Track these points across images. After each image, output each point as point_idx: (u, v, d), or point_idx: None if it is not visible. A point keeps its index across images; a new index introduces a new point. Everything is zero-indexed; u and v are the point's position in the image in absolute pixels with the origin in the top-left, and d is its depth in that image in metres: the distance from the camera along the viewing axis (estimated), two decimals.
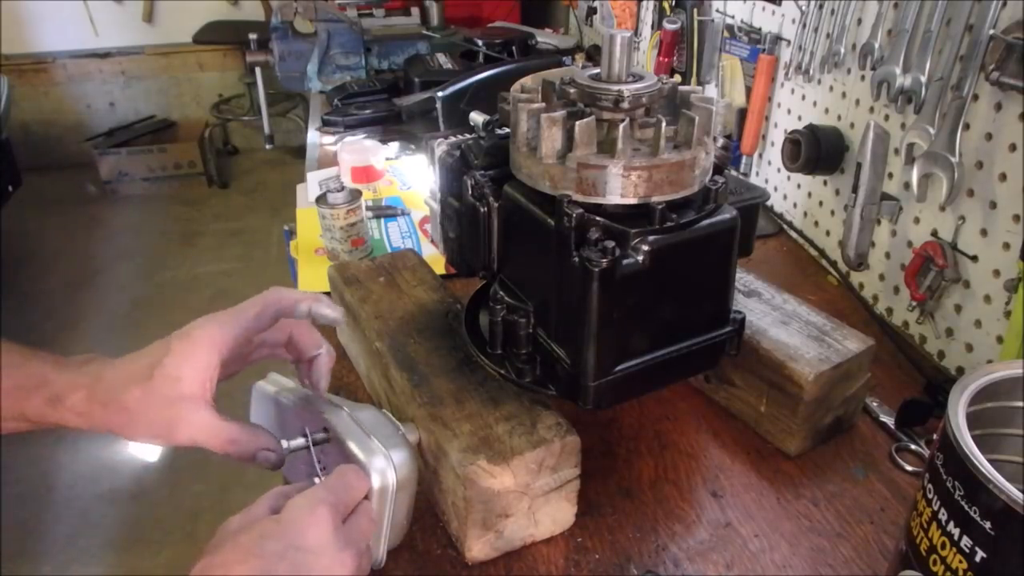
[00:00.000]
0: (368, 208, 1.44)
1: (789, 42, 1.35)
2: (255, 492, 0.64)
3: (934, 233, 1.06)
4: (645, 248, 0.71)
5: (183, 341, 0.65)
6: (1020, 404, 0.65)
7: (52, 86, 4.65)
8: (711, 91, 1.57)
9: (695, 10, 1.54)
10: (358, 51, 2.19)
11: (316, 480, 0.66)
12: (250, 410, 0.80)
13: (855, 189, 1.13)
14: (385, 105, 1.89)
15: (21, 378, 0.65)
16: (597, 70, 0.76)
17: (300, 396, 0.76)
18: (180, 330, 0.66)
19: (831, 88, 1.27)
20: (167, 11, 4.61)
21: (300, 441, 0.70)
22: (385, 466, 0.68)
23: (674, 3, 1.59)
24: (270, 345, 0.75)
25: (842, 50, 1.20)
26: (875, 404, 0.99)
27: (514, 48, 2.16)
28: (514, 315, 0.80)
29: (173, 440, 0.63)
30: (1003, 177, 0.94)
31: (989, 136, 0.95)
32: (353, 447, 0.68)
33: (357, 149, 1.61)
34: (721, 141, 0.81)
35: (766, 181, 1.49)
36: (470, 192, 0.83)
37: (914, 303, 1.08)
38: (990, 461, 0.54)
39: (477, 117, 0.87)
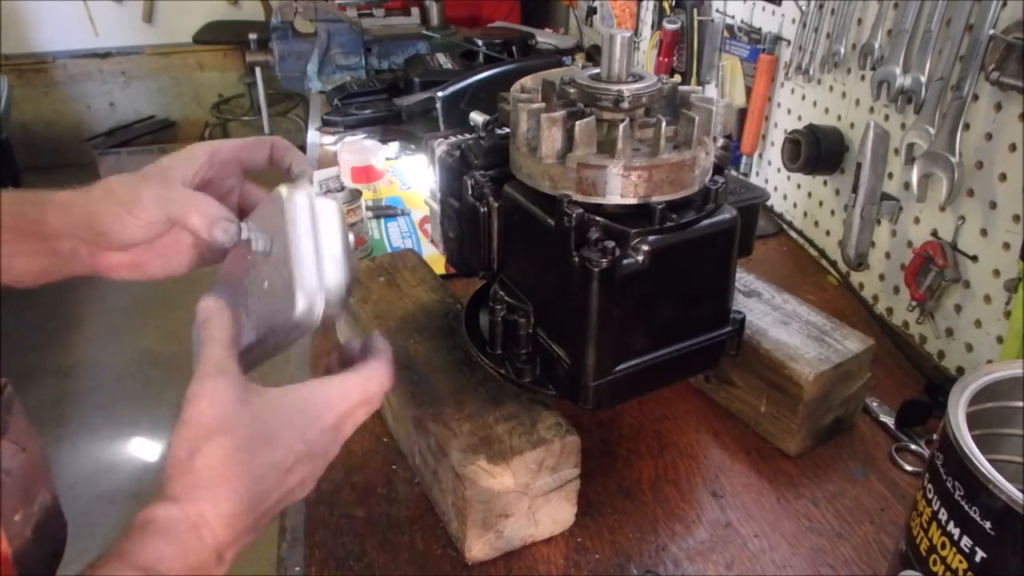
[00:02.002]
0: (368, 208, 1.44)
1: (789, 42, 1.35)
2: None
3: (934, 233, 1.06)
4: (645, 248, 0.71)
5: (178, 152, 0.68)
6: (1020, 404, 0.65)
7: (52, 86, 4.65)
8: (711, 91, 1.57)
9: (695, 10, 1.54)
10: (358, 51, 2.19)
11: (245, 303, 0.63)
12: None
13: (855, 189, 1.13)
14: (385, 105, 1.89)
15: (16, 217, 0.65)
16: (597, 70, 0.76)
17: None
18: None
19: (831, 88, 1.27)
20: (167, 11, 4.61)
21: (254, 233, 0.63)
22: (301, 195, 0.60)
23: (674, 3, 1.59)
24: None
25: (842, 50, 1.20)
26: (875, 404, 0.99)
27: (514, 48, 2.16)
28: (514, 315, 0.80)
29: (136, 212, 0.63)
30: (1003, 177, 0.94)
31: (989, 136, 0.95)
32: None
33: (357, 149, 1.61)
34: (721, 141, 0.81)
35: (766, 181, 1.49)
36: (470, 192, 0.83)
37: (914, 303, 1.08)
38: (990, 461, 0.54)
39: (477, 117, 0.87)
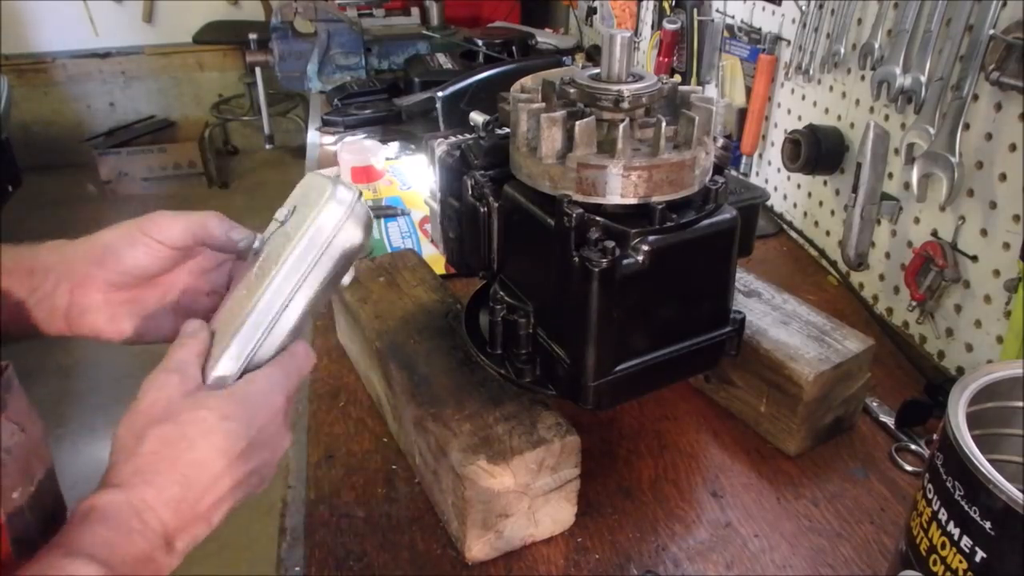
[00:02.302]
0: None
1: (789, 42, 1.35)
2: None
3: (934, 233, 1.06)
4: (645, 248, 0.71)
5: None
6: (1020, 404, 0.65)
7: (52, 86, 4.65)
8: (711, 91, 1.57)
9: (695, 10, 1.54)
10: (358, 51, 2.19)
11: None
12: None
13: (855, 189, 1.13)
14: (385, 105, 1.89)
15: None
16: (597, 70, 0.76)
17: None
18: None
19: (831, 88, 1.27)
20: (167, 11, 4.61)
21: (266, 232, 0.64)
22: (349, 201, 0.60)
23: (674, 3, 1.59)
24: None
25: (842, 50, 1.20)
26: (875, 404, 0.99)
27: (514, 48, 2.16)
28: (514, 315, 0.80)
29: (150, 229, 0.64)
30: (1003, 177, 0.94)
31: (989, 136, 0.95)
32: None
33: (357, 149, 1.61)
34: (721, 141, 0.81)
35: (766, 181, 1.49)
36: (470, 192, 0.83)
37: (914, 303, 1.08)
38: (990, 461, 0.54)
39: (477, 117, 0.87)
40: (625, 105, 0.72)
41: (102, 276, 0.65)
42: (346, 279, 0.63)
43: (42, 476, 0.56)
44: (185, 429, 0.54)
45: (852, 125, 1.23)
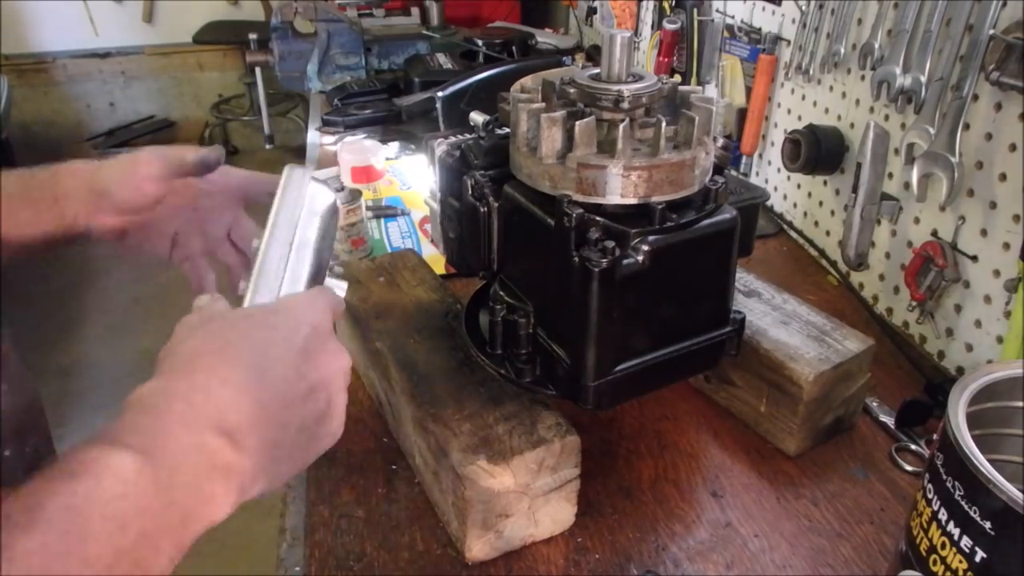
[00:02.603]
0: (368, 208, 1.44)
1: (789, 42, 1.35)
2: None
3: (934, 233, 1.06)
4: (645, 248, 0.71)
5: None
6: (1020, 404, 0.65)
7: (52, 86, 4.64)
8: (711, 91, 1.57)
9: (695, 10, 1.54)
10: (358, 51, 2.19)
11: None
12: None
13: (855, 189, 1.13)
14: (385, 105, 1.89)
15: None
16: (597, 70, 0.76)
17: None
18: None
19: (831, 88, 1.27)
20: (167, 11, 4.61)
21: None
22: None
23: (674, 3, 1.59)
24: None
25: (842, 50, 1.20)
26: (875, 404, 0.99)
27: (514, 48, 2.16)
28: (514, 315, 0.80)
29: (137, 166, 0.73)
30: (1003, 177, 0.94)
31: (989, 136, 0.95)
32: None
33: (357, 149, 1.61)
34: (721, 141, 0.81)
35: (766, 181, 1.49)
36: (470, 192, 0.83)
37: (914, 303, 1.08)
38: (990, 461, 0.54)
39: (477, 117, 0.87)
40: (625, 105, 0.72)
41: (107, 205, 0.74)
42: (341, 292, 0.63)
43: (37, 442, 0.56)
44: (239, 324, 0.48)
45: (852, 125, 1.23)
